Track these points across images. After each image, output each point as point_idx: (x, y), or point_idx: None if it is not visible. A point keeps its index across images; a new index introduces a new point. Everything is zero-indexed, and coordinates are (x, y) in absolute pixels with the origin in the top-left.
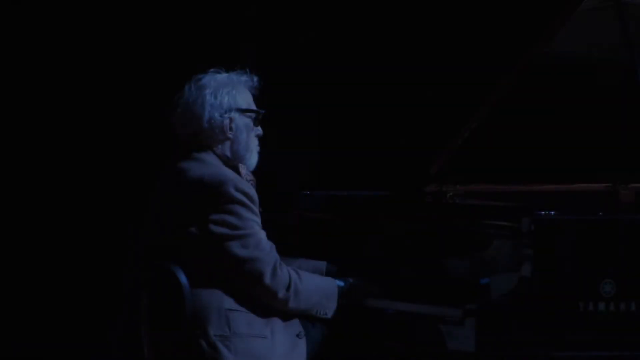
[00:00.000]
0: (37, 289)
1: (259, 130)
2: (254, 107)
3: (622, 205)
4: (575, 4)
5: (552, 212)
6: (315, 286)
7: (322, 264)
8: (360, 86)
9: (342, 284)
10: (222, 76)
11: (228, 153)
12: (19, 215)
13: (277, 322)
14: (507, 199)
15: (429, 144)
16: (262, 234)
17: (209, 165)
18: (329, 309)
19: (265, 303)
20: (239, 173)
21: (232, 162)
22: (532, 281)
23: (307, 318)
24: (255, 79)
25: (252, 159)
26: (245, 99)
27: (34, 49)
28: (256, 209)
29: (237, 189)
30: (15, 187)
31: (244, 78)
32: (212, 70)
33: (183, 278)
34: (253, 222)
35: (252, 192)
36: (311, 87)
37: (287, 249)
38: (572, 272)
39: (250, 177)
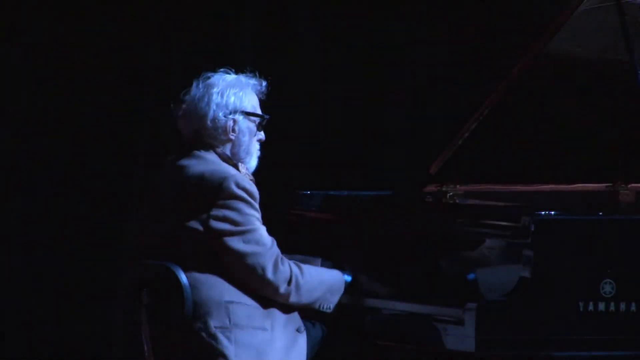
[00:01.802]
0: (36, 288)
1: (262, 135)
2: (259, 111)
3: (622, 205)
4: (575, 4)
5: (552, 212)
6: (320, 280)
7: (317, 260)
8: (360, 85)
9: (349, 278)
10: (231, 77)
11: (228, 153)
12: (17, 214)
13: (277, 316)
14: (507, 199)
15: (429, 143)
16: (263, 229)
17: (210, 162)
18: (332, 303)
19: (267, 297)
20: (239, 171)
21: (232, 161)
22: (532, 281)
23: (308, 315)
24: (264, 83)
25: (252, 162)
26: (252, 102)
27: (32, 45)
28: (257, 205)
29: (238, 185)
30: (14, 185)
31: (252, 81)
32: (222, 69)
33: (183, 278)
34: (254, 217)
35: (253, 188)
36: (310, 85)
37: (286, 249)
38: (572, 272)
39: (250, 176)
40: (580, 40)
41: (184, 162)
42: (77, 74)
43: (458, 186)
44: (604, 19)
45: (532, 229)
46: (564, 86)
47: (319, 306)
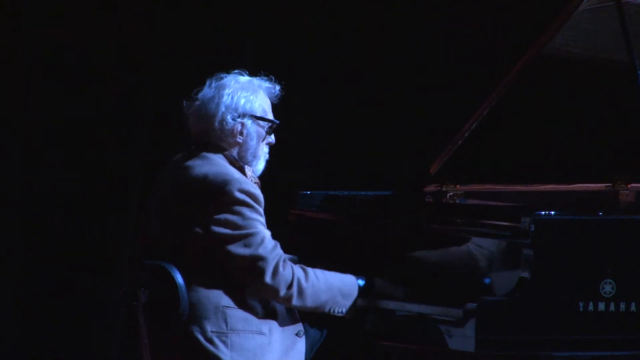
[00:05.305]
0: (35, 289)
1: (272, 138)
2: (270, 116)
3: (622, 205)
4: (575, 4)
5: (552, 212)
6: (327, 284)
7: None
8: (360, 85)
9: (363, 282)
10: (245, 79)
11: (235, 155)
12: (16, 214)
13: (275, 320)
14: (507, 199)
15: (429, 144)
16: (266, 232)
17: (214, 164)
18: (345, 307)
19: (268, 300)
20: (244, 174)
21: (238, 164)
22: (532, 281)
23: (308, 315)
24: (278, 87)
25: (259, 165)
26: (263, 106)
27: (39, 42)
28: (260, 209)
29: (241, 190)
30: (13, 186)
31: (266, 84)
32: (235, 70)
33: (179, 278)
34: (257, 221)
35: (257, 192)
36: (311, 87)
37: (286, 249)
38: (572, 272)
39: (256, 179)
40: (580, 40)
41: (188, 162)
42: (76, 74)
43: (458, 186)
44: (604, 19)
45: (532, 229)
46: (564, 86)
47: (330, 310)
